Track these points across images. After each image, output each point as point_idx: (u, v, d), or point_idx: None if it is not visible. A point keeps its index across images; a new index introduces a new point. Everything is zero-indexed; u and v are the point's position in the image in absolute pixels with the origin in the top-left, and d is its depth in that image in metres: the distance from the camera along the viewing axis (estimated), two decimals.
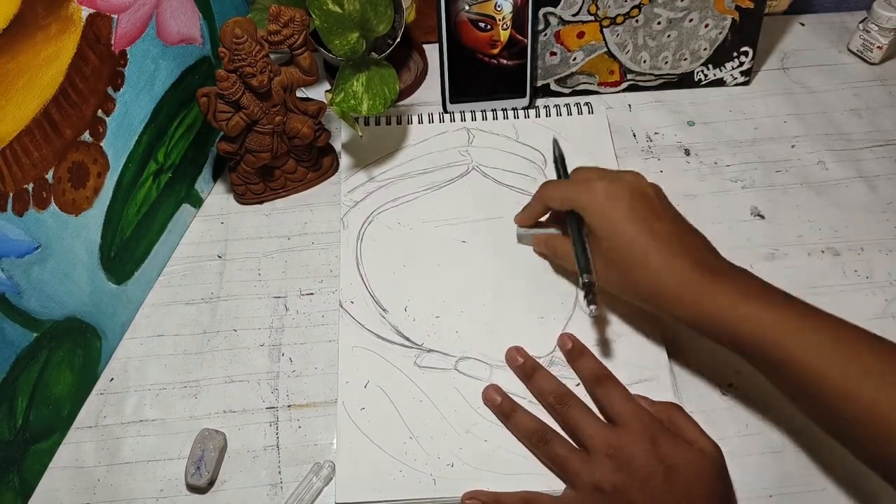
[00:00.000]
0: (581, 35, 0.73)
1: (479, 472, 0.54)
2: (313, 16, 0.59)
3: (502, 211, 0.66)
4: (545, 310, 0.61)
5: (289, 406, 0.58)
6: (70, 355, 0.56)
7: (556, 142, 0.64)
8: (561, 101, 0.75)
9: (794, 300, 0.50)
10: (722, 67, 0.76)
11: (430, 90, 0.77)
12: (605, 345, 0.59)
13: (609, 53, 0.74)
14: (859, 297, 0.63)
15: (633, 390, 0.55)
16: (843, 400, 0.46)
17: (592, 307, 0.53)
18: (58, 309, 0.53)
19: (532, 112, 0.74)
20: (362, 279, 0.63)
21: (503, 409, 0.56)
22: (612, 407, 0.53)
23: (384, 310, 0.61)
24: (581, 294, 0.62)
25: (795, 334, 0.47)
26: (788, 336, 0.47)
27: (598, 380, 0.56)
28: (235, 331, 0.62)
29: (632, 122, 0.75)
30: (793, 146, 0.73)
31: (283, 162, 0.67)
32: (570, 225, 0.57)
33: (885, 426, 0.45)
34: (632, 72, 0.76)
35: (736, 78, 0.77)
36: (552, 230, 0.61)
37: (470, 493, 0.53)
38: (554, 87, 0.76)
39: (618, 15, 0.71)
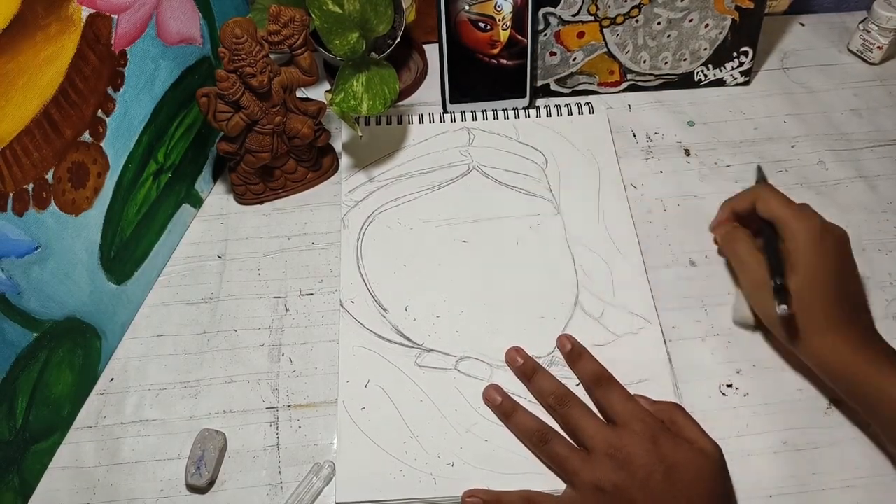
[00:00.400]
0: (581, 35, 0.73)
1: (480, 471, 0.54)
2: (313, 16, 0.59)
3: (503, 211, 0.66)
4: (545, 310, 0.61)
5: (289, 406, 0.58)
6: (70, 355, 0.56)
7: (759, 168, 0.66)
8: (561, 101, 0.75)
9: None
10: (722, 67, 0.76)
11: (431, 90, 0.77)
12: (604, 345, 0.59)
13: (609, 53, 0.74)
14: None
15: (633, 390, 0.55)
16: None
17: (783, 307, 0.53)
18: (58, 309, 0.53)
19: (532, 112, 0.74)
20: (363, 279, 0.63)
21: (504, 408, 0.56)
22: (612, 407, 0.53)
23: (385, 309, 0.61)
24: (579, 294, 0.62)
25: None
26: None
27: (598, 380, 0.56)
28: (235, 331, 0.62)
29: (632, 122, 0.75)
30: (793, 146, 0.73)
31: (283, 162, 0.67)
32: (766, 231, 0.58)
33: None
34: (632, 72, 0.76)
35: (736, 78, 0.77)
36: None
37: (470, 492, 0.53)
38: (554, 87, 0.76)
39: (618, 15, 0.71)
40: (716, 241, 0.65)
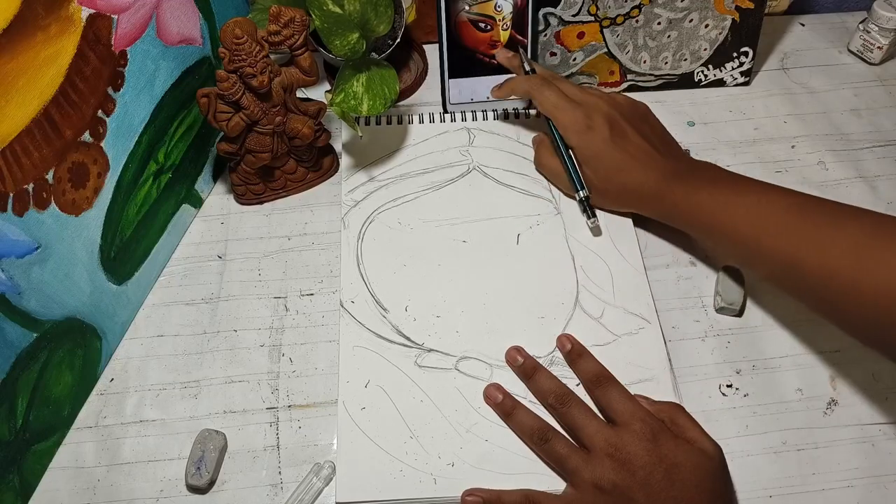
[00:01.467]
0: (581, 35, 0.73)
1: (480, 471, 0.54)
2: (313, 16, 0.59)
3: (503, 211, 0.66)
4: (545, 310, 0.61)
5: (289, 406, 0.58)
6: (70, 356, 0.56)
7: (522, 51, 0.71)
8: None
9: (740, 179, 0.59)
10: (722, 68, 0.76)
11: (431, 90, 0.77)
12: (605, 345, 0.59)
13: (609, 54, 0.74)
14: None
15: (633, 390, 0.55)
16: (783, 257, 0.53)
17: (594, 219, 0.63)
18: (58, 309, 0.53)
19: (533, 112, 0.74)
20: (363, 279, 0.63)
21: (504, 407, 0.56)
22: (612, 407, 0.53)
23: (385, 309, 0.61)
24: (579, 294, 0.62)
25: (731, 206, 0.56)
26: (726, 207, 0.57)
27: (598, 380, 0.56)
28: (236, 331, 0.62)
29: None
30: (793, 146, 0.73)
31: (284, 162, 0.67)
32: (555, 139, 0.65)
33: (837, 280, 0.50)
34: (632, 72, 0.76)
35: (736, 78, 0.77)
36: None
37: (470, 491, 0.53)
38: None
39: (618, 15, 0.71)
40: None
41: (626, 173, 0.61)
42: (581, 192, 0.64)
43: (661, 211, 0.62)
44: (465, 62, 0.72)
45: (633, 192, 0.62)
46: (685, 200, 0.59)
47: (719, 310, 0.61)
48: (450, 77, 0.72)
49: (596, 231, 0.65)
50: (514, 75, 0.69)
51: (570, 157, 0.64)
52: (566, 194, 0.67)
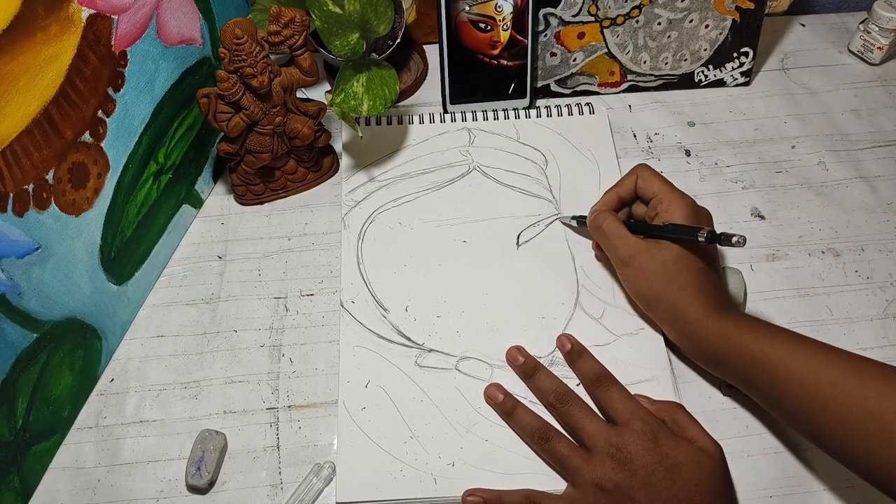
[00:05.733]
0: (581, 36, 0.73)
1: (480, 471, 0.54)
2: (313, 16, 0.59)
3: (503, 211, 0.66)
4: (546, 310, 0.61)
5: (289, 406, 0.58)
6: (70, 356, 0.56)
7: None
8: (562, 101, 0.75)
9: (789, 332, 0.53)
10: (722, 68, 0.76)
11: (431, 91, 0.77)
12: (605, 345, 0.59)
13: (609, 54, 0.74)
14: (860, 297, 0.63)
15: (633, 390, 0.55)
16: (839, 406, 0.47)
17: (735, 238, 0.52)
18: (58, 309, 0.53)
19: (533, 112, 0.74)
20: (363, 279, 0.63)
21: (505, 406, 0.56)
22: (612, 406, 0.53)
23: (385, 309, 0.61)
24: (579, 294, 0.62)
25: (789, 354, 0.51)
26: (784, 357, 0.51)
27: (598, 380, 0.56)
28: (236, 331, 0.62)
29: (632, 122, 0.75)
30: (793, 147, 0.73)
31: (284, 163, 0.67)
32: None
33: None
34: (632, 72, 0.76)
35: (736, 78, 0.77)
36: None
37: (470, 491, 0.53)
38: (554, 87, 0.76)
39: (618, 15, 0.71)
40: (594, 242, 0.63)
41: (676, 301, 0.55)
42: (701, 233, 0.54)
43: (689, 335, 0.55)
44: (465, 62, 0.72)
45: (664, 306, 0.56)
46: (736, 332, 0.53)
47: None
48: (450, 77, 0.72)
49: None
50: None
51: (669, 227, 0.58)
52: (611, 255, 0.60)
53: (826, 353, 0.50)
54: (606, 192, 0.62)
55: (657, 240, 0.56)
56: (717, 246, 0.57)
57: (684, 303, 0.54)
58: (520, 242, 0.65)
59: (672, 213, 0.57)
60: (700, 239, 0.54)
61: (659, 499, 0.48)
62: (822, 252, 0.66)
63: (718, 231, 0.54)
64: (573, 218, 0.65)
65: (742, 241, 0.52)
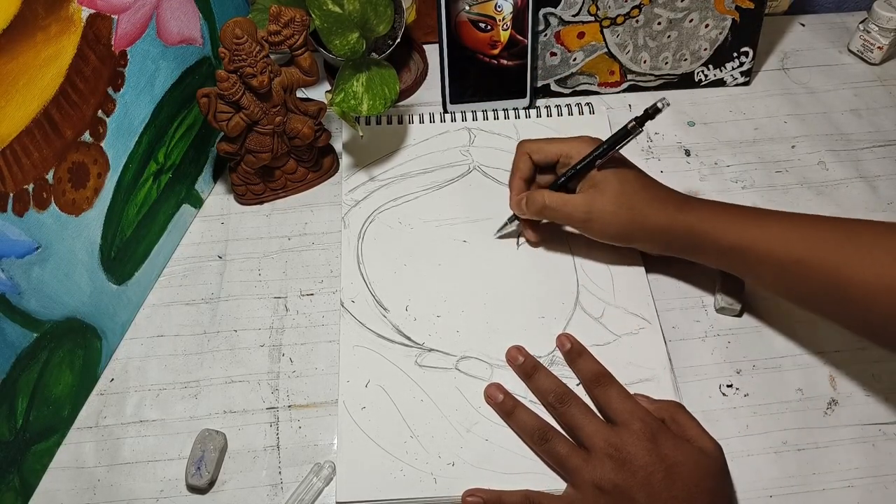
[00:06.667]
0: (581, 35, 0.73)
1: (480, 471, 0.54)
2: (313, 16, 0.59)
3: (503, 211, 0.66)
4: (546, 309, 0.61)
5: (289, 406, 0.58)
6: (70, 356, 0.56)
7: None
8: (562, 101, 0.75)
9: (746, 209, 0.57)
10: (722, 68, 0.76)
11: (431, 90, 0.77)
12: (605, 345, 0.59)
13: (609, 54, 0.74)
14: None
15: (633, 390, 0.55)
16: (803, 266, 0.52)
17: (661, 101, 0.56)
18: (58, 309, 0.53)
19: (533, 112, 0.74)
20: (363, 278, 0.63)
21: (505, 406, 0.56)
22: (611, 406, 0.53)
23: (385, 309, 0.61)
24: (579, 294, 0.62)
25: (761, 226, 0.55)
26: (751, 229, 0.55)
27: (597, 379, 0.56)
28: (236, 331, 0.62)
29: None
30: (793, 146, 0.73)
31: (284, 162, 0.67)
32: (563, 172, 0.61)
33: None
34: (632, 72, 0.76)
35: (736, 78, 0.77)
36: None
37: (470, 491, 0.53)
38: (554, 87, 0.76)
39: (618, 15, 0.71)
40: (513, 206, 0.63)
41: (637, 224, 0.58)
42: (629, 125, 0.57)
43: (668, 240, 0.58)
44: (465, 62, 0.72)
45: (640, 232, 0.59)
46: (700, 225, 0.56)
47: (720, 310, 0.61)
48: (450, 77, 0.72)
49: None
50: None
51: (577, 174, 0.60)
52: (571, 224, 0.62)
53: (788, 226, 0.54)
54: (510, 183, 0.64)
55: (595, 185, 0.58)
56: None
57: (653, 218, 0.57)
58: (520, 242, 0.65)
59: (581, 151, 0.60)
60: (631, 128, 0.57)
61: (658, 499, 0.48)
62: None
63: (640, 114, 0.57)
64: (505, 224, 0.64)
65: (666, 104, 0.56)
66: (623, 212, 0.58)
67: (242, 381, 0.60)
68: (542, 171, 0.64)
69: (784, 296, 0.56)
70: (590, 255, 0.64)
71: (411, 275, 0.63)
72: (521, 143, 0.64)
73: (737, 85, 0.77)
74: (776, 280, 0.55)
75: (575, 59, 0.74)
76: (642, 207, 0.58)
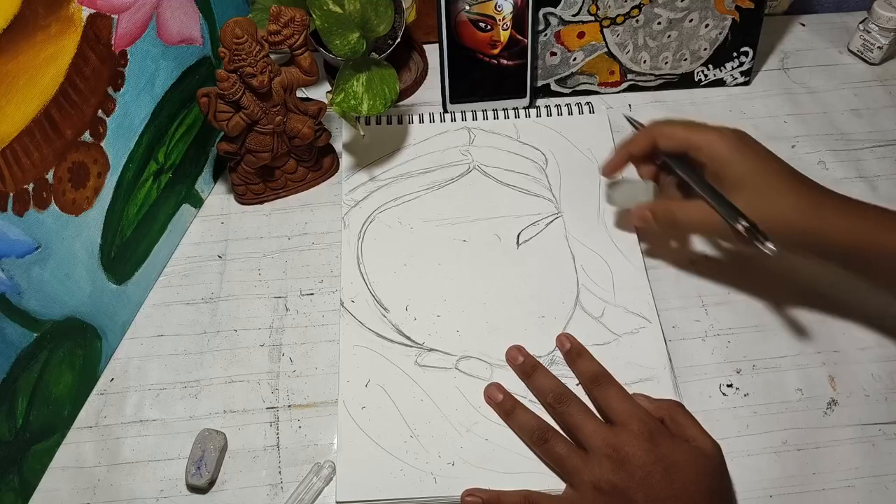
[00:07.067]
0: (581, 35, 0.73)
1: (480, 470, 0.54)
2: (314, 16, 0.59)
3: (503, 210, 0.67)
4: (546, 309, 0.61)
5: (289, 406, 0.58)
6: (70, 355, 0.56)
7: (629, 118, 0.65)
8: (562, 101, 0.75)
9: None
10: (722, 67, 0.76)
11: (431, 90, 0.77)
12: (605, 345, 0.59)
13: (609, 53, 0.74)
14: (860, 297, 0.63)
15: (633, 390, 0.55)
16: None
17: (770, 244, 0.53)
18: (58, 309, 0.53)
19: (533, 112, 0.74)
20: (363, 278, 0.63)
21: (504, 406, 0.56)
22: (610, 406, 0.53)
23: (385, 309, 0.61)
24: (579, 293, 0.62)
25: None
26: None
27: (596, 380, 0.56)
28: (236, 331, 0.62)
29: None
30: (793, 146, 0.73)
31: (284, 162, 0.67)
32: (689, 177, 0.57)
33: None
34: (632, 72, 0.76)
35: (736, 78, 0.77)
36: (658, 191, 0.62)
37: (469, 491, 0.53)
38: (554, 87, 0.76)
39: (618, 15, 0.71)
40: (637, 220, 0.62)
41: (781, 193, 0.55)
42: (742, 221, 0.53)
43: (805, 233, 0.54)
44: (465, 62, 0.72)
45: (787, 216, 0.54)
46: (842, 219, 0.53)
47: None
48: (450, 77, 0.72)
49: (777, 252, 0.54)
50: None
51: (711, 187, 0.56)
52: (721, 238, 0.61)
53: None
54: (617, 151, 0.61)
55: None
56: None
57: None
58: (520, 242, 0.65)
59: (717, 159, 0.55)
60: (738, 226, 0.53)
61: (657, 499, 0.48)
62: None
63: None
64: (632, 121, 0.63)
65: (773, 252, 0.52)
66: (774, 165, 0.55)
67: (242, 380, 0.60)
68: (643, 161, 0.61)
69: None
70: (590, 255, 0.64)
71: (411, 275, 0.63)
72: (653, 125, 0.59)
73: (737, 85, 0.77)
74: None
75: (575, 59, 0.74)
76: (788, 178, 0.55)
